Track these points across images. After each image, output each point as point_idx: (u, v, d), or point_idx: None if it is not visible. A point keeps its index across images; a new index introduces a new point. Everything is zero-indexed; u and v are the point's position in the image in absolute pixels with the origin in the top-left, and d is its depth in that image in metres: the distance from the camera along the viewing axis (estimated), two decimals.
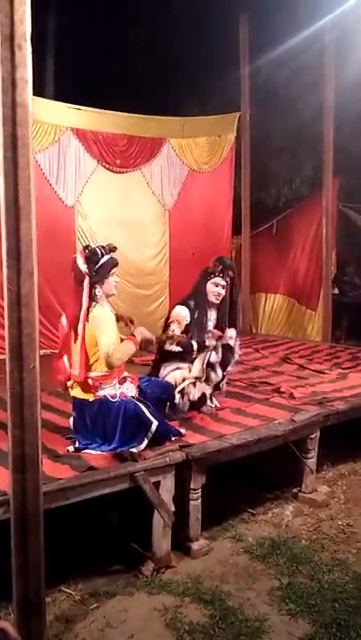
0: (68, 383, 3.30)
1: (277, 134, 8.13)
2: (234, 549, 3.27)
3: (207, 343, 3.88)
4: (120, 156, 6.61)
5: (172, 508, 3.10)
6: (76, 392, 3.27)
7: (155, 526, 3.06)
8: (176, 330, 3.84)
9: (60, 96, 6.43)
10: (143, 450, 3.12)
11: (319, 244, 7.35)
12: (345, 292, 8.29)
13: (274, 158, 8.35)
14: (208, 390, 3.96)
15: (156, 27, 7.59)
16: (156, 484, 3.05)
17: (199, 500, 3.23)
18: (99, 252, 3.21)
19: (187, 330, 3.85)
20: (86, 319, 3.15)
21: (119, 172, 6.64)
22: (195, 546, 3.20)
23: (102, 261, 3.19)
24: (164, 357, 3.84)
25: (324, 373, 5.14)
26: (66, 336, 3.26)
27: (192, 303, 3.94)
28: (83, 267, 3.16)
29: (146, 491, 2.98)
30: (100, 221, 6.51)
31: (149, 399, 3.31)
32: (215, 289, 3.94)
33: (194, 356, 3.85)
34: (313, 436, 3.89)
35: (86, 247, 3.27)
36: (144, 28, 7.64)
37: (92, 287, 3.19)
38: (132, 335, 3.24)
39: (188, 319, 3.88)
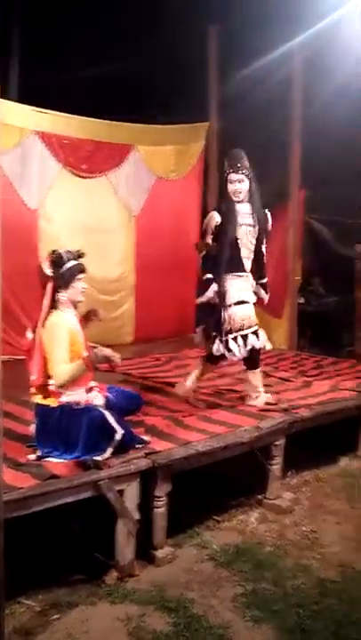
0: (32, 390, 3.23)
1: (245, 145, 8.22)
2: (199, 556, 3.25)
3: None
4: (86, 161, 6.56)
5: (137, 516, 3.06)
6: (38, 398, 3.19)
7: (118, 534, 3.01)
8: (208, 237, 3.99)
9: (25, 99, 6.34)
10: (107, 458, 3.07)
11: (286, 254, 7.46)
12: (310, 302, 8.44)
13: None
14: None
15: (125, 33, 7.61)
16: (121, 492, 3.00)
17: (164, 508, 3.20)
18: (65, 256, 3.17)
19: (221, 229, 3.95)
20: (43, 324, 3.10)
21: (85, 177, 6.59)
22: (159, 554, 3.17)
23: (68, 266, 3.16)
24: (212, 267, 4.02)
25: (290, 381, 5.19)
26: (30, 342, 3.18)
27: (223, 206, 4.05)
28: (47, 270, 3.12)
29: (110, 499, 2.93)
30: (64, 226, 6.43)
31: (116, 410, 3.26)
32: (231, 186, 4.00)
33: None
34: (278, 443, 3.92)
35: (53, 252, 3.23)
36: (112, 34, 7.64)
37: (55, 292, 3.15)
38: (88, 356, 3.12)
39: (219, 220, 3.96)
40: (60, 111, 6.32)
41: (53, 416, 3.13)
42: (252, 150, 8.51)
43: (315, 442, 4.57)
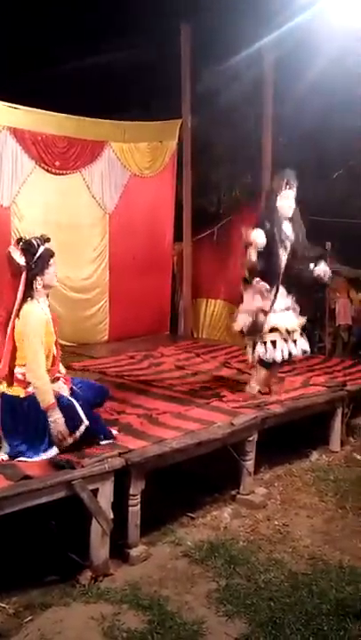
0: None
1: (218, 143, 8.27)
2: (173, 554, 3.27)
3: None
4: (60, 157, 6.49)
5: (111, 516, 3.06)
6: (5, 388, 3.15)
7: (93, 534, 3.02)
8: (253, 253, 4.04)
9: None
10: (80, 458, 3.06)
11: None
12: None
13: (214, 166, 8.48)
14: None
15: (98, 30, 7.55)
16: (95, 491, 3.00)
17: (138, 506, 3.21)
18: (35, 242, 3.15)
19: (268, 250, 4.08)
20: (17, 315, 3.07)
21: (58, 174, 6.52)
22: (133, 552, 3.18)
23: (40, 252, 3.13)
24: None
25: None
26: None
27: (267, 224, 4.14)
28: (20, 259, 3.08)
29: (84, 499, 2.93)
30: (37, 223, 6.33)
31: (82, 401, 3.25)
32: (287, 202, 4.16)
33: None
34: (251, 439, 3.97)
35: (20, 239, 3.18)
36: (86, 32, 7.58)
37: (30, 280, 3.11)
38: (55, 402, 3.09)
39: (264, 242, 4.06)
40: (34, 108, 6.24)
41: (22, 406, 3.10)
42: (224, 148, 8.59)
43: (287, 437, 4.65)
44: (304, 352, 4.53)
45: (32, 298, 3.14)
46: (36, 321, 3.09)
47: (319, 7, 5.76)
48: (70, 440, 3.12)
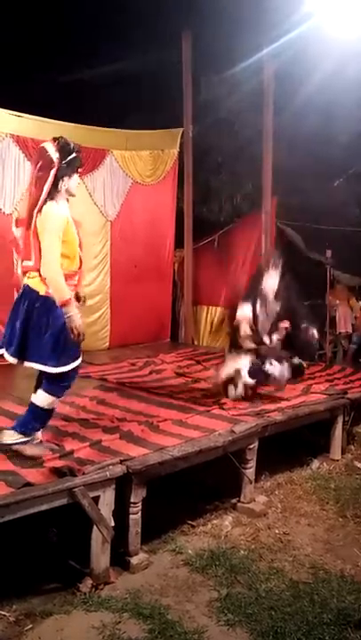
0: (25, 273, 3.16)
1: (219, 152, 8.34)
2: (174, 562, 3.26)
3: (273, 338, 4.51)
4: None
5: (112, 523, 3.06)
6: (30, 281, 3.11)
7: (93, 542, 3.01)
8: (246, 329, 4.33)
9: (0, 102, 6.29)
10: (82, 465, 3.06)
11: (259, 259, 7.55)
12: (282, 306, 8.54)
13: (215, 175, 8.54)
14: None
15: (101, 39, 7.62)
16: (96, 499, 3.00)
17: (139, 514, 3.21)
18: (71, 145, 3.14)
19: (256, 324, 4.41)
20: (40, 211, 3.05)
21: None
22: (134, 560, 3.17)
23: (73, 155, 3.13)
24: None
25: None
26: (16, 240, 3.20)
27: (252, 300, 4.51)
28: (54, 155, 3.06)
29: (85, 506, 2.92)
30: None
31: None
32: (270, 282, 4.48)
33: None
34: (252, 447, 3.97)
35: (60, 138, 3.16)
36: (88, 41, 7.65)
37: (58, 178, 3.08)
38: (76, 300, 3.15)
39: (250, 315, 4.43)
40: (36, 116, 6.28)
41: (35, 302, 3.07)
42: (224, 157, 8.65)
43: (287, 445, 4.65)
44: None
45: (53, 199, 3.10)
46: (55, 217, 3.06)
47: (319, 18, 5.83)
48: (82, 338, 3.08)
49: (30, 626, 2.66)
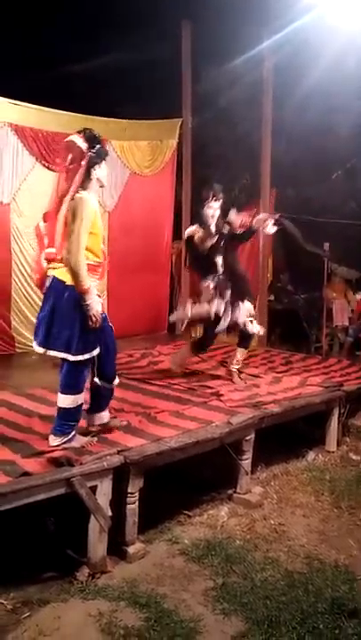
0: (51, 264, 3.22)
1: (218, 143, 8.29)
2: (170, 552, 3.29)
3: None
4: (60, 154, 6.49)
5: (109, 513, 3.08)
6: (57, 272, 3.17)
7: (91, 531, 3.03)
8: (199, 234, 4.69)
9: None
10: (79, 455, 3.07)
11: (256, 251, 7.55)
12: (280, 299, 8.57)
13: (214, 166, 8.50)
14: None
15: (100, 28, 7.55)
16: (93, 489, 3.02)
17: (136, 504, 3.23)
18: (97, 134, 3.24)
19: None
20: (72, 197, 3.11)
21: (59, 171, 6.53)
22: (131, 550, 3.20)
23: (100, 145, 3.23)
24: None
25: (260, 377, 5.28)
26: (41, 230, 3.28)
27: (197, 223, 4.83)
28: (83, 145, 3.14)
29: (82, 496, 2.94)
30: (36, 220, 6.28)
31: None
32: (209, 211, 4.72)
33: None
34: (248, 438, 3.99)
35: (86, 129, 3.25)
36: (88, 30, 7.58)
37: (89, 167, 3.16)
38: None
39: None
40: (35, 105, 6.24)
41: (64, 292, 3.13)
42: (223, 148, 8.62)
43: (283, 437, 4.67)
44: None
45: (85, 189, 3.16)
46: (87, 206, 3.13)
47: (320, 11, 5.79)
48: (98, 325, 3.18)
49: (28, 614, 2.69)
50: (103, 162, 3.24)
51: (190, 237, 4.86)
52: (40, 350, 3.22)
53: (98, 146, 3.21)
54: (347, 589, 2.98)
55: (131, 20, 7.25)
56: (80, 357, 3.16)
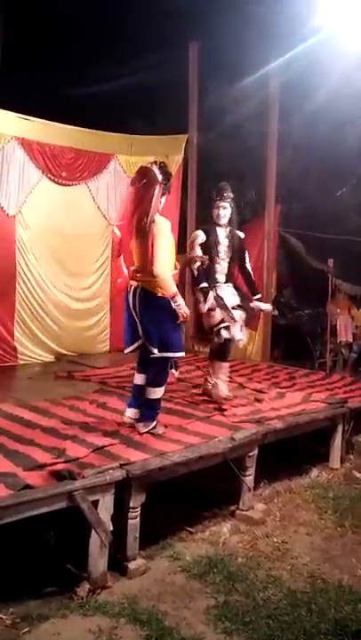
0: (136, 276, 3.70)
1: (223, 159, 8.37)
2: (171, 568, 3.25)
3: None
4: (66, 168, 6.56)
5: (111, 528, 3.05)
6: (143, 282, 3.63)
7: (91, 546, 3.00)
8: (198, 250, 4.56)
9: (7, 105, 6.32)
10: (82, 469, 3.06)
11: (261, 266, 7.57)
12: (284, 314, 8.58)
13: (219, 182, 8.56)
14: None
15: (109, 46, 7.68)
16: (95, 503, 2.99)
17: (138, 519, 3.20)
18: (170, 172, 3.81)
19: (204, 249, 4.58)
20: (153, 221, 3.55)
21: (64, 185, 6.58)
22: (132, 565, 3.16)
23: (169, 181, 3.73)
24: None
25: (263, 392, 5.26)
26: (120, 242, 3.93)
27: (205, 227, 4.71)
28: (159, 176, 3.56)
29: (84, 510, 2.92)
30: (41, 233, 6.41)
31: None
32: (215, 211, 4.63)
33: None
34: (251, 454, 3.96)
35: (160, 161, 3.74)
36: (96, 47, 7.70)
37: (163, 194, 3.63)
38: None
39: (203, 238, 4.59)
40: (42, 119, 6.31)
41: (155, 302, 3.61)
42: (229, 164, 8.70)
43: (287, 453, 4.64)
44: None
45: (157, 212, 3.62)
46: (167, 227, 3.64)
47: (327, 32, 5.88)
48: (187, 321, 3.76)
49: (27, 629, 2.65)
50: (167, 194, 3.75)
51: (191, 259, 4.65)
52: (156, 353, 3.64)
53: (169, 178, 3.72)
54: (350, 610, 2.93)
55: (140, 39, 7.39)
56: (179, 354, 3.76)
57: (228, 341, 4.61)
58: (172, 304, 3.60)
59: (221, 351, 4.75)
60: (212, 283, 4.64)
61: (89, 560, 3.00)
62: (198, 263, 4.54)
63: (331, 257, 7.54)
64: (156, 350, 3.64)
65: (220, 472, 3.88)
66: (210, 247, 4.59)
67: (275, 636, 2.70)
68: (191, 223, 7.71)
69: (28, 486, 2.84)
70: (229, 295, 4.67)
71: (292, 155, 7.91)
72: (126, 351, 3.83)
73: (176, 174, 7.67)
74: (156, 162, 3.70)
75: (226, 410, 4.47)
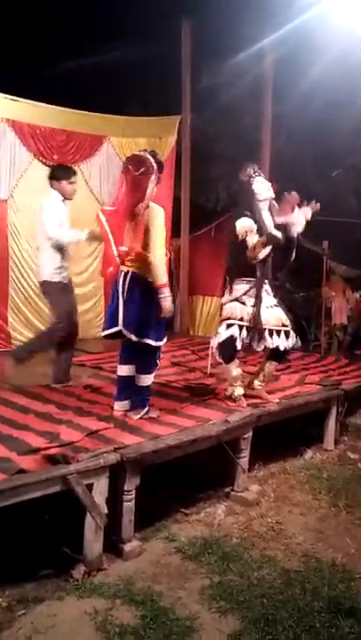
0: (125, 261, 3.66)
1: (217, 140, 8.28)
2: (166, 550, 3.28)
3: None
4: (58, 151, 6.47)
5: (105, 511, 3.06)
6: (134, 268, 3.61)
7: (87, 529, 3.01)
8: (254, 237, 4.10)
9: None
10: (76, 453, 3.06)
11: None
12: (278, 297, 8.54)
13: (213, 164, 8.48)
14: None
15: (100, 25, 7.53)
16: (90, 486, 3.00)
17: (133, 502, 3.21)
18: (162, 161, 3.81)
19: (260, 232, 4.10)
20: (147, 207, 3.55)
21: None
22: (127, 547, 3.18)
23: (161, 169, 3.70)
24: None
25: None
26: (108, 227, 3.73)
27: (248, 212, 4.10)
28: (154, 164, 3.56)
29: (78, 494, 2.92)
30: (33, 216, 6.33)
31: None
32: (262, 186, 4.16)
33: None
34: (246, 436, 3.98)
35: (152, 150, 3.75)
36: (87, 26, 7.55)
37: (157, 182, 3.62)
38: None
39: (255, 225, 4.07)
40: (33, 101, 6.21)
41: (146, 286, 3.58)
42: (222, 146, 8.60)
43: (281, 435, 4.66)
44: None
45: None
46: (161, 213, 3.65)
47: (321, 8, 5.77)
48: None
49: (23, 611, 2.67)
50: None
51: (240, 238, 4.07)
52: (134, 338, 3.62)
53: (162, 167, 3.71)
54: (344, 588, 2.97)
55: (131, 17, 7.23)
56: (161, 343, 3.73)
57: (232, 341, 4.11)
58: (159, 294, 3.57)
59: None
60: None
61: (84, 543, 3.01)
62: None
63: (325, 239, 7.50)
64: (133, 337, 3.62)
65: (215, 454, 3.89)
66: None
67: (269, 614, 2.73)
68: (185, 207, 7.65)
69: (22, 470, 2.84)
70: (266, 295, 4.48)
71: (287, 135, 7.81)
72: (104, 334, 3.80)
73: (169, 156, 7.60)
74: (147, 150, 3.70)
75: (220, 393, 4.47)
